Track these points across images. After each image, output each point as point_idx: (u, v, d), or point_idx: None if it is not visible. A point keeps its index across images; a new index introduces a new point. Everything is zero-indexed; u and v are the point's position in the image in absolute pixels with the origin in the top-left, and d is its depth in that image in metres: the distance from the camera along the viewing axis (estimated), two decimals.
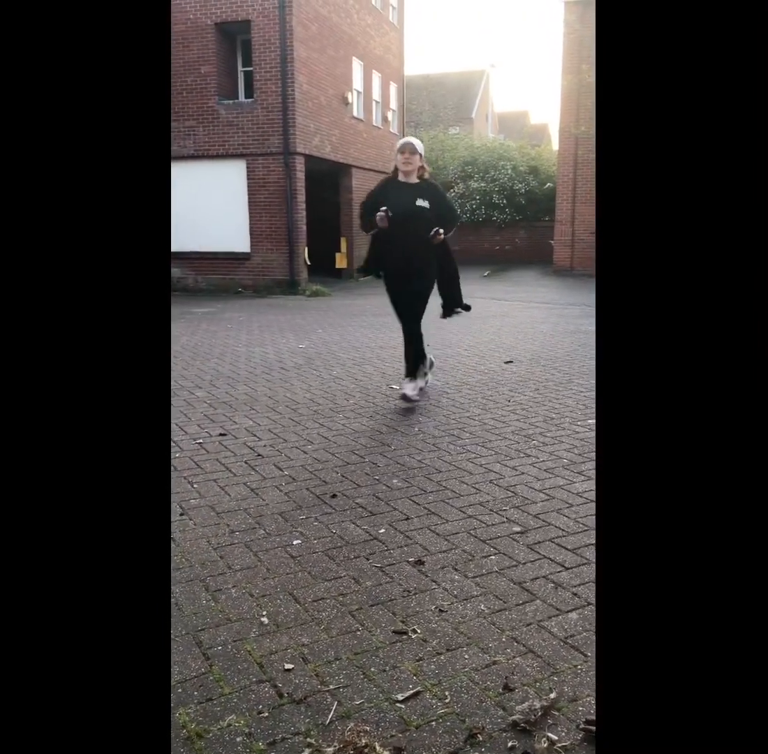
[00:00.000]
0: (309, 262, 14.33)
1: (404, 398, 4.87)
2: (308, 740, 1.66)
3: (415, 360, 4.97)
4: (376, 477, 3.45)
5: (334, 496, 3.20)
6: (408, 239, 4.58)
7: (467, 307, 5.20)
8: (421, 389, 5.03)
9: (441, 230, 4.50)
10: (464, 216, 20.06)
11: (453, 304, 5.15)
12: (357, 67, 16.42)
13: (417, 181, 4.71)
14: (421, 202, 4.58)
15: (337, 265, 16.53)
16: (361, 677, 1.90)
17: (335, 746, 1.63)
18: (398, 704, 1.79)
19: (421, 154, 4.66)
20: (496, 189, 19.94)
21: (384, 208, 4.41)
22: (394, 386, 5.49)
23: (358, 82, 16.52)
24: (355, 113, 16.40)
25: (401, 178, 4.70)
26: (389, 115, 18.91)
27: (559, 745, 1.64)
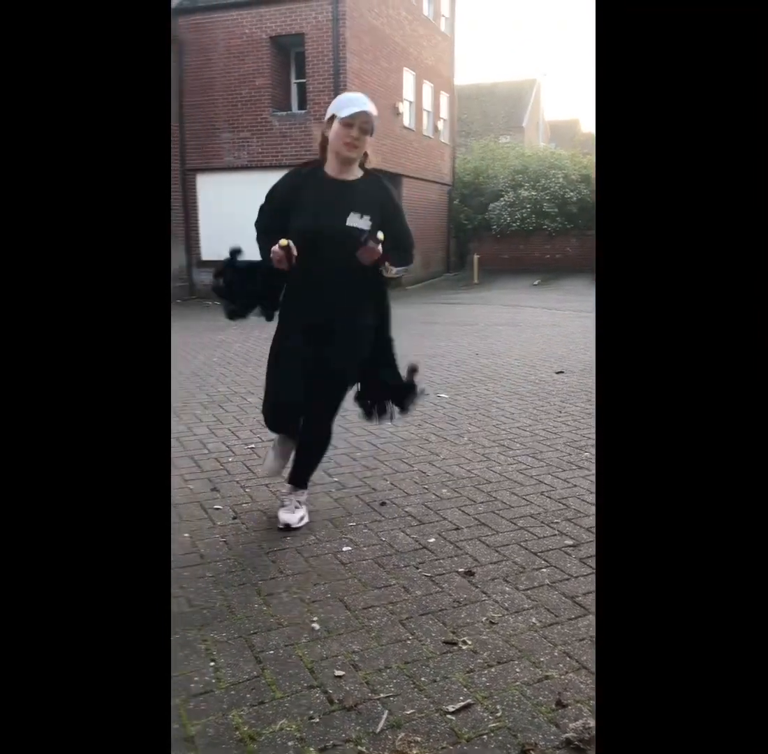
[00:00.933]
0: None
1: (287, 526, 2.90)
2: (359, 747, 1.66)
3: (309, 466, 3.03)
4: (425, 486, 3.44)
5: (383, 504, 3.20)
6: (329, 279, 2.72)
7: (407, 404, 3.20)
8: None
9: (378, 242, 2.59)
10: (514, 225, 19.94)
11: (383, 397, 3.10)
12: (408, 77, 16.52)
13: (358, 175, 2.78)
14: (356, 221, 2.67)
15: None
16: (412, 686, 1.89)
17: None
18: (449, 716, 1.77)
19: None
20: (547, 198, 19.77)
21: (285, 241, 2.53)
22: (442, 395, 5.47)
23: (409, 93, 16.61)
24: (406, 123, 16.48)
25: (331, 170, 2.74)
26: (440, 124, 18.95)
27: None
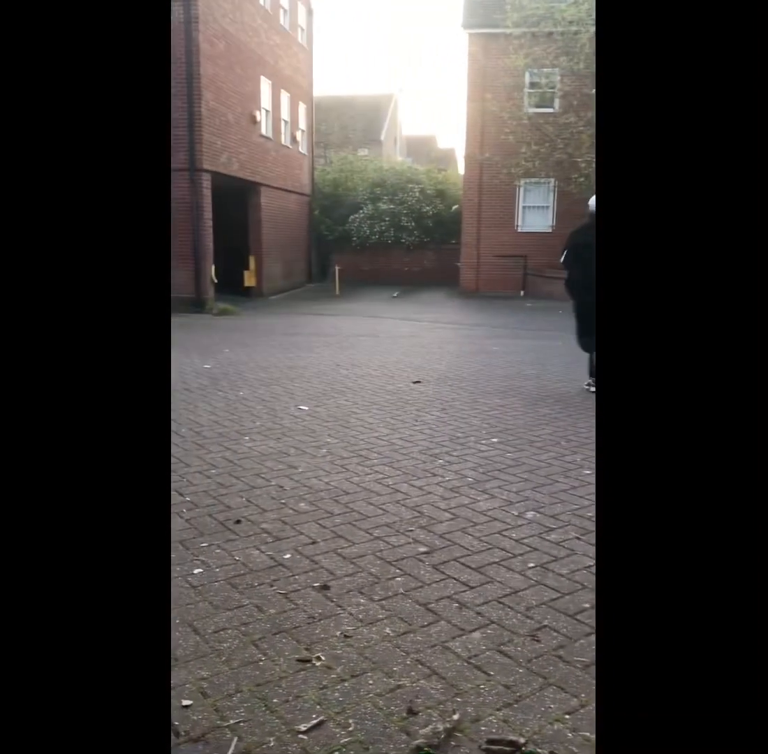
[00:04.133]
0: (216, 281, 14.08)
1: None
2: None
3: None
4: (283, 501, 3.40)
5: (238, 521, 3.12)
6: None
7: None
8: None
9: None
10: (373, 237, 20.34)
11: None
12: (265, 85, 16.39)
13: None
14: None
15: (246, 284, 16.32)
16: (263, 709, 1.85)
17: None
18: (300, 736, 1.75)
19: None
20: (405, 211, 20.30)
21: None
22: (302, 407, 5.44)
23: (266, 101, 16.49)
24: (263, 132, 16.34)
25: None
26: (298, 134, 18.96)
27: None
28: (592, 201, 5.60)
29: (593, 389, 5.91)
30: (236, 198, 16.24)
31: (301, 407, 5.44)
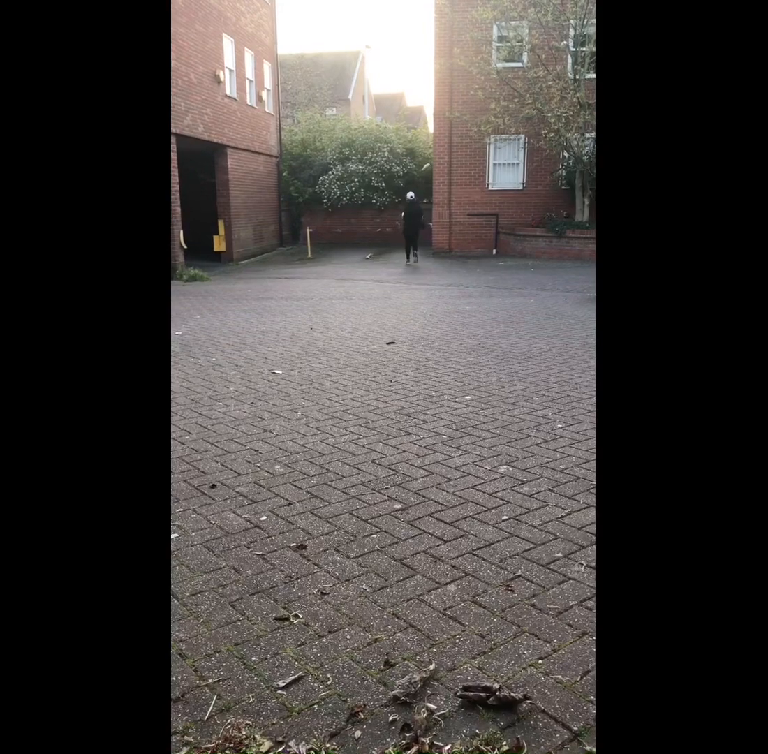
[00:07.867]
0: (185, 246, 13.83)
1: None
2: (186, 738, 1.61)
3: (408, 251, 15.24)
4: (258, 464, 3.39)
5: (213, 486, 3.12)
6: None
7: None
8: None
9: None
10: (344, 198, 20.07)
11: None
12: (228, 43, 15.90)
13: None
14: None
15: (216, 249, 16.06)
16: (242, 667, 1.87)
17: (214, 742, 1.59)
18: (280, 692, 1.77)
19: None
20: (375, 171, 20.01)
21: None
22: (276, 371, 5.41)
23: (229, 60, 16.01)
24: (227, 92, 15.90)
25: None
26: (263, 94, 18.49)
27: (438, 713, 1.68)
28: (410, 194, 14.89)
29: (409, 262, 14.58)
30: (202, 161, 15.87)
31: (275, 371, 5.41)
